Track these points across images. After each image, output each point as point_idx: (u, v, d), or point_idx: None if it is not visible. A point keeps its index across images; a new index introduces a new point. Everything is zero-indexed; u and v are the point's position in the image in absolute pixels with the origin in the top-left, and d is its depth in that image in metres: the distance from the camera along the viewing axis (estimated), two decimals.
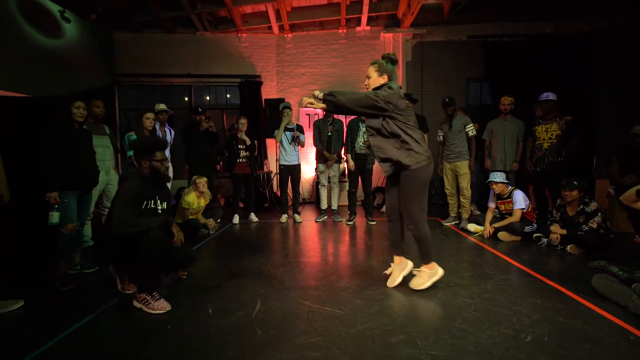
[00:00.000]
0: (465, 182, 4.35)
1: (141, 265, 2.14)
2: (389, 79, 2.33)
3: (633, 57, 6.02)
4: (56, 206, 2.55)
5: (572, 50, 6.21)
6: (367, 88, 2.37)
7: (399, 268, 2.50)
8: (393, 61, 2.36)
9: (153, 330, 1.92)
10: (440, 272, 2.38)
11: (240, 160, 4.80)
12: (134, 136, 3.61)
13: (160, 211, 2.38)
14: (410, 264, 2.52)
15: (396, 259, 2.53)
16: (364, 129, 4.51)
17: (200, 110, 4.76)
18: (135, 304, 2.17)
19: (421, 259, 2.40)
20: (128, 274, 2.41)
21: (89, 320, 2.05)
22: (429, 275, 2.36)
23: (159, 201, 2.37)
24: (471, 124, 4.37)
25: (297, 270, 2.88)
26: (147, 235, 2.11)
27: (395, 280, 2.47)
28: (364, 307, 2.15)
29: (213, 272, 2.90)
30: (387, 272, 2.61)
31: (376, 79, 2.31)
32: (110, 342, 1.85)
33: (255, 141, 5.11)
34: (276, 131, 4.87)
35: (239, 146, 4.79)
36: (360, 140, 4.52)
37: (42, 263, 2.97)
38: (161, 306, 2.13)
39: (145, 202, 2.28)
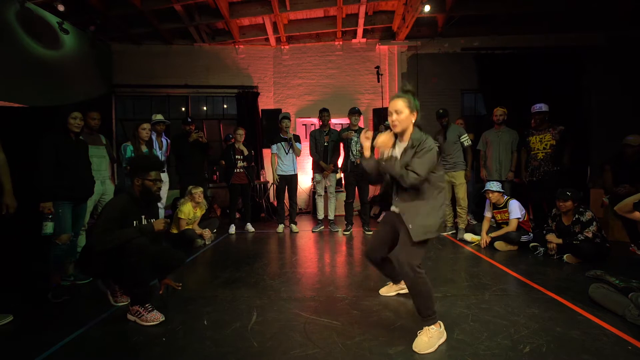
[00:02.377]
0: (462, 192, 4.38)
1: (130, 276, 2.13)
2: (416, 117, 1.96)
3: (623, 70, 6.18)
4: (50, 216, 2.53)
5: (564, 63, 6.35)
6: (396, 124, 1.92)
7: (397, 288, 2.53)
8: (415, 96, 1.97)
9: (147, 342, 1.88)
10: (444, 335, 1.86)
11: (238, 170, 4.80)
12: (130, 146, 3.61)
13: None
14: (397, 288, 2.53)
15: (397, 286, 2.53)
16: (356, 139, 4.54)
17: (189, 120, 4.79)
18: (129, 316, 2.15)
19: (423, 318, 1.85)
20: (119, 285, 2.39)
21: (82, 332, 2.01)
22: (437, 334, 1.82)
23: (145, 220, 2.34)
24: (465, 134, 4.43)
25: (294, 281, 2.86)
26: (130, 245, 2.09)
27: (389, 292, 2.52)
28: (361, 318, 2.13)
29: (208, 283, 2.86)
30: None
31: (408, 116, 1.91)
32: (104, 355, 1.81)
33: (252, 151, 5.12)
34: (274, 146, 4.89)
35: (237, 156, 4.80)
36: (354, 149, 4.55)
37: (35, 274, 2.93)
38: (154, 317, 2.10)
39: (134, 221, 2.26)
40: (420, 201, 1.91)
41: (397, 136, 2.01)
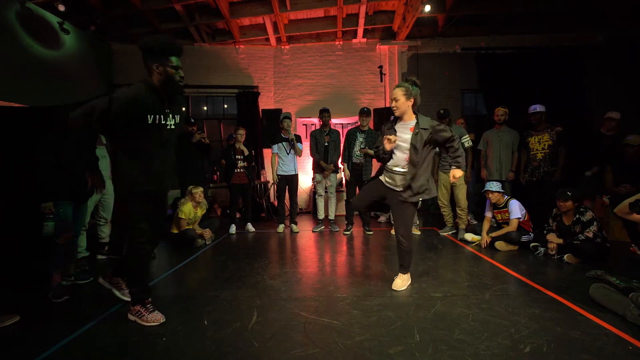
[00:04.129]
0: (462, 193, 4.36)
1: (129, 274, 2.14)
2: (414, 103, 2.46)
3: (622, 70, 6.17)
4: (51, 216, 2.53)
5: (564, 63, 6.34)
6: (395, 110, 2.48)
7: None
8: (417, 84, 2.46)
9: (148, 342, 1.88)
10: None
11: (238, 170, 4.80)
12: None
13: (169, 128, 2.04)
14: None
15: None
16: (361, 139, 4.54)
17: (192, 121, 4.78)
18: (130, 317, 2.15)
19: (404, 269, 2.67)
20: (123, 274, 2.35)
21: (82, 332, 2.01)
22: (408, 279, 2.70)
23: (170, 115, 2.03)
24: (466, 135, 4.41)
25: (294, 281, 2.86)
26: (129, 243, 2.06)
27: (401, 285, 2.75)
28: (361, 318, 2.13)
29: (209, 283, 2.86)
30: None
31: (404, 102, 2.42)
32: (104, 355, 1.81)
33: (252, 151, 5.13)
34: (275, 146, 4.89)
35: (237, 156, 4.80)
36: (356, 149, 4.54)
37: (36, 273, 2.94)
38: (155, 318, 2.10)
39: (151, 116, 1.94)
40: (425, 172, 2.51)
41: (398, 118, 2.54)
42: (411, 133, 2.45)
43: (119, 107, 1.88)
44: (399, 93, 2.43)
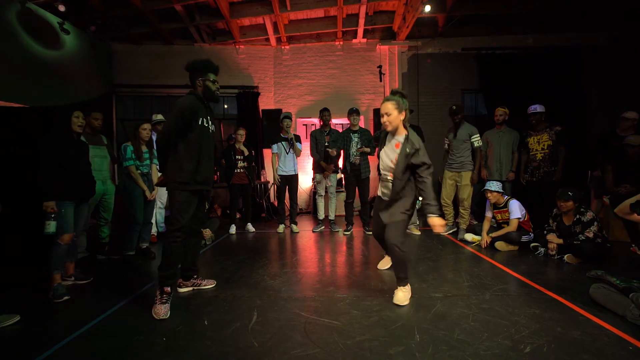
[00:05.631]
0: (466, 193, 4.33)
1: (162, 257, 2.34)
2: (405, 116, 2.36)
3: (622, 70, 6.17)
4: (53, 215, 2.53)
5: (564, 63, 6.34)
6: (387, 125, 2.34)
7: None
8: (404, 96, 2.37)
9: (148, 342, 1.88)
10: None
11: (238, 170, 4.80)
12: (130, 147, 3.61)
13: (211, 131, 2.53)
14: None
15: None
16: (356, 139, 4.54)
17: None
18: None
19: (401, 280, 2.41)
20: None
21: (82, 332, 2.01)
22: (409, 290, 2.45)
23: (210, 121, 2.52)
24: (477, 135, 4.29)
25: (294, 281, 2.86)
26: (169, 233, 2.36)
27: (385, 264, 3.09)
28: (361, 318, 2.13)
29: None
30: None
31: (397, 117, 2.31)
32: (104, 355, 1.81)
33: (253, 151, 5.13)
34: (274, 146, 4.90)
35: (237, 157, 4.80)
36: (354, 149, 4.55)
37: (36, 273, 2.94)
38: (159, 311, 2.19)
39: (201, 118, 2.41)
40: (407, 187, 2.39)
41: (389, 133, 2.46)
42: (397, 150, 2.35)
43: (187, 111, 2.33)
44: (390, 107, 2.28)
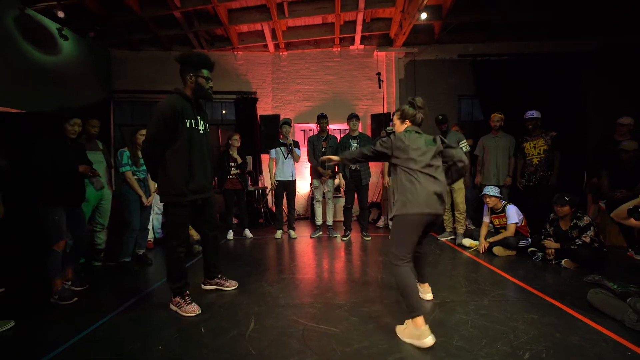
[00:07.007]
0: (460, 197, 4.38)
1: (167, 270, 2.35)
2: (412, 123, 2.38)
3: (618, 76, 6.24)
4: (91, 173, 2.71)
5: (559, 69, 6.40)
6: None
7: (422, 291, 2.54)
8: (414, 105, 2.44)
9: (144, 350, 1.86)
10: (425, 341, 1.82)
11: (231, 177, 4.79)
12: (126, 152, 3.61)
13: (202, 132, 2.33)
14: (427, 290, 2.54)
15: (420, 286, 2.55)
16: (355, 145, 4.55)
17: None
18: (171, 307, 2.36)
19: (407, 310, 1.94)
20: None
21: (78, 340, 1.98)
22: (414, 331, 1.88)
23: (201, 122, 2.35)
24: (464, 140, 4.44)
25: (292, 287, 2.84)
26: (167, 245, 2.35)
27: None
28: (359, 324, 2.12)
29: (205, 290, 2.84)
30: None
31: (399, 126, 2.44)
32: None
33: (249, 157, 5.10)
34: (272, 150, 4.90)
35: (230, 164, 4.79)
36: None
37: (35, 278, 2.91)
38: (192, 309, 2.27)
39: (188, 120, 2.23)
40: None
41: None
42: None
43: (168, 113, 2.17)
44: (395, 118, 2.51)
